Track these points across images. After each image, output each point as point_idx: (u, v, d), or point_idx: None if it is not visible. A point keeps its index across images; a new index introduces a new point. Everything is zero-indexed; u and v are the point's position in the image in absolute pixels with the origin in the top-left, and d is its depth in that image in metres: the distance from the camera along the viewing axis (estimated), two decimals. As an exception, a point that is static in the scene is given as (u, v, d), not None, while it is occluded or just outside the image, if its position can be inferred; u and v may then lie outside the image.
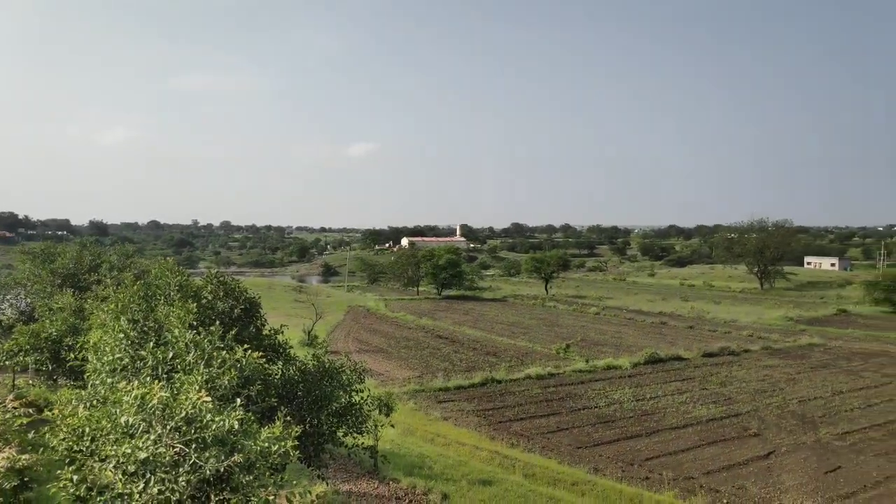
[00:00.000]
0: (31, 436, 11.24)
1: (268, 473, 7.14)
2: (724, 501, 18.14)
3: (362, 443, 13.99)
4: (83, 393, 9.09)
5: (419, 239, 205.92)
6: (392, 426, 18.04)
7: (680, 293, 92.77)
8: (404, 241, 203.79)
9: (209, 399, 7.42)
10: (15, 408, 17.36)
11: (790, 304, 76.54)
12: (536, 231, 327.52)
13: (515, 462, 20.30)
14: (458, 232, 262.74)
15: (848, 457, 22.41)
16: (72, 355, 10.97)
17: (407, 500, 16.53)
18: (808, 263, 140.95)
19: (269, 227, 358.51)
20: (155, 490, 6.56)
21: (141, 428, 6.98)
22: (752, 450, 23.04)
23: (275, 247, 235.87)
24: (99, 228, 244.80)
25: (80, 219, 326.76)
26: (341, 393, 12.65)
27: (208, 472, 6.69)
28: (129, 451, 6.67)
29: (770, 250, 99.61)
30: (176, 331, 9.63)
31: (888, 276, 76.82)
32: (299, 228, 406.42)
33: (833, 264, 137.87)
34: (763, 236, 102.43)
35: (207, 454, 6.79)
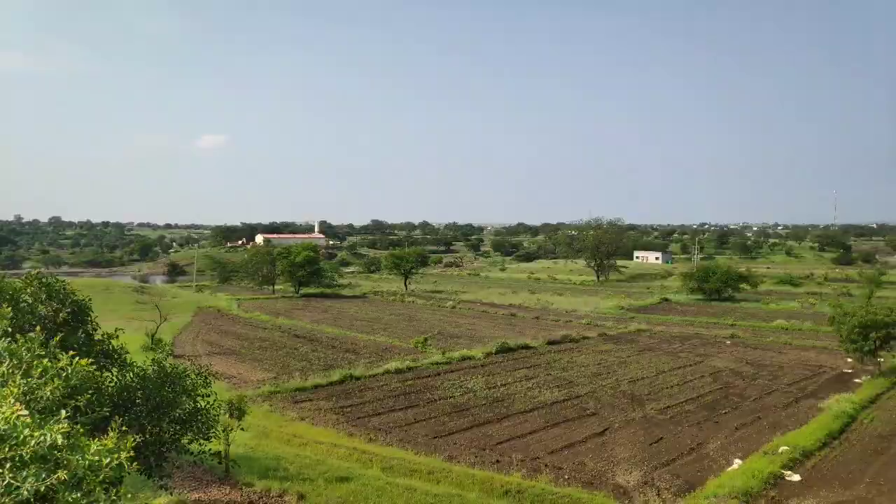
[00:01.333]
0: None
1: (99, 489, 6.60)
2: (566, 477, 19.71)
3: (209, 449, 13.34)
4: None
5: (275, 236, 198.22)
6: (243, 429, 17.37)
7: (528, 286, 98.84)
8: (259, 239, 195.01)
9: (26, 413, 6.69)
10: None
11: (622, 294, 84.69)
12: (396, 228, 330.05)
13: (373, 456, 20.45)
14: (316, 229, 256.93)
15: (668, 428, 25.38)
16: None
17: (261, 504, 16.05)
18: (637, 257, 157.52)
19: (106, 223, 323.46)
20: (-41, 518, 5.81)
21: (-60, 450, 6.12)
22: (590, 428, 25.25)
23: (113, 244, 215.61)
24: None
25: None
26: (185, 398, 11.99)
27: (26, 492, 6.05)
28: (-77, 477, 5.83)
29: (605, 246, 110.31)
30: (-15, 339, 8.52)
31: (700, 268, 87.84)
32: (141, 224, 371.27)
33: (657, 258, 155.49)
34: (599, 233, 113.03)
35: (25, 473, 6.14)
